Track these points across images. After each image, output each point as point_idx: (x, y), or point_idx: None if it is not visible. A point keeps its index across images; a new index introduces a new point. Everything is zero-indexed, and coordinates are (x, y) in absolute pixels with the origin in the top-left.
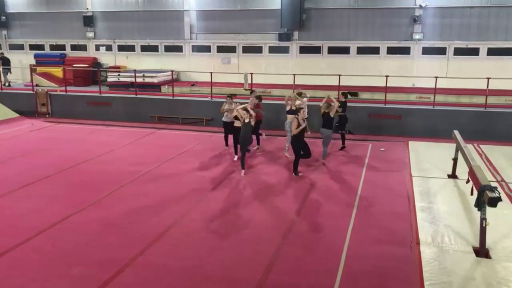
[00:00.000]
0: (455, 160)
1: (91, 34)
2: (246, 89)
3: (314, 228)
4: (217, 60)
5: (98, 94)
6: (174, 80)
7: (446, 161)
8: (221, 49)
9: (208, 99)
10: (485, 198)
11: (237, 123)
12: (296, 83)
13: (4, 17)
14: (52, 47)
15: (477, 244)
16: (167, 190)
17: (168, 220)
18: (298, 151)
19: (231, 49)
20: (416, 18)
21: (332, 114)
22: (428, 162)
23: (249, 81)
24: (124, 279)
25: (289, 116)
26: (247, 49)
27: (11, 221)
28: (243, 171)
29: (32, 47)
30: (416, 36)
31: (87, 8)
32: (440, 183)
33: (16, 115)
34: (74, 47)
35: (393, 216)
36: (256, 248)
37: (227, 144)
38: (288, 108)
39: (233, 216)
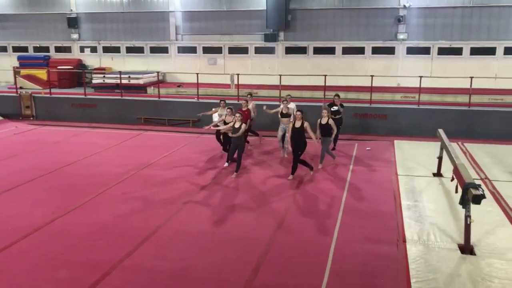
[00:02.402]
0: (440, 158)
1: (75, 36)
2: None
3: (301, 227)
4: (203, 61)
5: (83, 96)
6: (160, 82)
7: (431, 159)
8: (207, 50)
9: (195, 100)
10: (469, 196)
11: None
12: (282, 83)
13: None
14: (36, 49)
15: (462, 241)
16: (154, 192)
17: (155, 222)
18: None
19: (217, 50)
20: (400, 18)
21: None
22: (414, 160)
23: (236, 82)
24: (111, 282)
25: (284, 120)
26: (233, 50)
27: None
28: (235, 173)
29: (16, 49)
30: (401, 36)
31: (71, 10)
32: (425, 181)
33: None
34: (58, 49)
35: (379, 215)
36: (244, 249)
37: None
38: (285, 111)
39: (220, 217)
